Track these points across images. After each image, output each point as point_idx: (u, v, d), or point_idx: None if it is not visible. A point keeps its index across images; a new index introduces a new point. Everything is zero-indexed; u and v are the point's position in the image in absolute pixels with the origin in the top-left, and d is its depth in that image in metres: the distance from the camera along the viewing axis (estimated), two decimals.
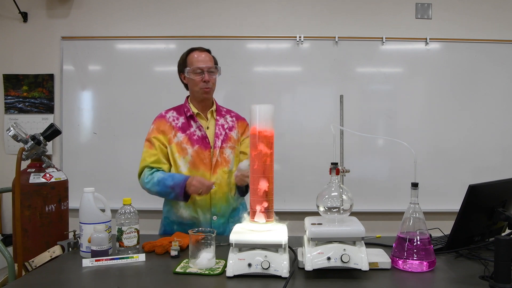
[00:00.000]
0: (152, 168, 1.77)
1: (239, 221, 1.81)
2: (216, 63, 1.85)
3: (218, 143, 1.80)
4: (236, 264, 1.19)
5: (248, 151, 1.85)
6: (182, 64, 1.83)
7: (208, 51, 1.84)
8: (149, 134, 1.83)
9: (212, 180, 1.74)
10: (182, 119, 1.83)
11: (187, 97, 1.89)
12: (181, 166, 1.77)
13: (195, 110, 1.83)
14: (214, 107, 1.87)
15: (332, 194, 1.29)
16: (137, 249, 1.43)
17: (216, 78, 1.83)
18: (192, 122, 1.82)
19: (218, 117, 1.86)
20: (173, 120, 1.83)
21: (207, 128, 1.83)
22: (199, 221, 1.77)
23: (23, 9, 3.07)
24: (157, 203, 2.90)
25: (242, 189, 1.79)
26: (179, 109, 1.87)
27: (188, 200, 1.72)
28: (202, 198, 1.75)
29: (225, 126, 1.85)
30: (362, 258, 1.18)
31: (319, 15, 3.04)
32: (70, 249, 1.51)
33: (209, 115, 1.86)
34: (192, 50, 1.83)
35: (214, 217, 1.78)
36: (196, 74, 1.77)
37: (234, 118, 1.90)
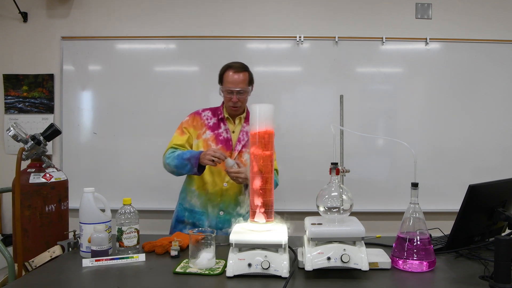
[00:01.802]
0: (176, 148, 1.96)
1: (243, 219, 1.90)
2: (250, 81, 1.97)
3: (239, 147, 1.95)
4: (236, 264, 1.19)
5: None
6: (219, 78, 1.98)
7: (245, 68, 1.96)
8: (182, 124, 2.02)
9: (226, 179, 1.89)
10: (214, 120, 2.00)
11: (223, 101, 2.02)
12: None
13: (226, 114, 2.01)
14: (244, 114, 2.03)
15: (332, 194, 1.29)
16: (137, 249, 1.43)
17: (247, 95, 1.96)
18: (221, 124, 2.00)
19: (245, 124, 2.01)
20: (206, 119, 2.01)
21: (233, 132, 2.00)
22: (208, 213, 1.93)
23: (23, 9, 3.07)
24: (157, 203, 2.91)
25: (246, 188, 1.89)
26: (214, 111, 2.04)
27: (201, 174, 1.86)
28: (214, 193, 1.91)
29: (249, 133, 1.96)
30: (362, 258, 1.18)
31: (319, 15, 3.04)
32: (70, 249, 1.51)
33: (237, 121, 2.01)
34: (228, 67, 1.94)
35: (221, 212, 1.92)
36: (227, 93, 1.92)
37: None
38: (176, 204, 2.09)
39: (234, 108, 1.95)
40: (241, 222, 1.38)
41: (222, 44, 2.97)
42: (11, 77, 3.10)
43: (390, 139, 3.04)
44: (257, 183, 1.26)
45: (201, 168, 1.85)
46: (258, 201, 1.26)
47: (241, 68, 1.94)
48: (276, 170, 2.04)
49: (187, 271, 1.25)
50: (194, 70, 3.00)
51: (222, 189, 1.93)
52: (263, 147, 1.26)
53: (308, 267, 1.17)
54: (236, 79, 1.90)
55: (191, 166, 1.83)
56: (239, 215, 1.88)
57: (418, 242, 1.27)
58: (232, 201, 1.94)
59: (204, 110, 2.05)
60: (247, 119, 2.01)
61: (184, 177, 2.07)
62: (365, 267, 1.17)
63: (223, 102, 2.03)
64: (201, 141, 1.96)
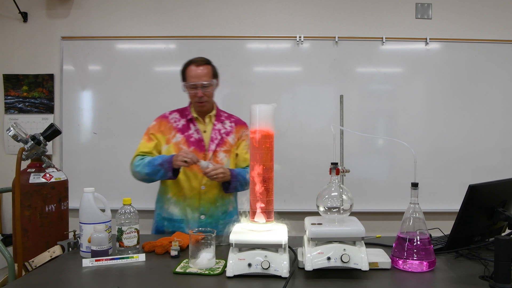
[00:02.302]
0: (144, 155, 1.86)
1: (228, 223, 1.85)
2: (215, 74, 1.88)
3: (212, 147, 1.86)
4: (236, 264, 1.19)
5: (243, 153, 1.92)
6: (182, 76, 1.89)
7: (207, 62, 1.87)
8: (148, 129, 1.92)
9: (203, 181, 1.82)
10: (183, 121, 1.90)
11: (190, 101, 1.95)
12: None
13: (194, 114, 1.90)
14: (214, 112, 1.93)
15: (332, 194, 1.29)
16: (137, 249, 1.43)
17: (212, 90, 1.87)
18: (191, 125, 1.89)
19: (216, 122, 1.92)
20: (175, 122, 1.91)
21: (204, 131, 1.90)
22: (188, 218, 1.84)
23: (23, 9, 3.07)
24: None
25: (225, 186, 1.82)
26: (182, 112, 1.94)
27: (176, 177, 1.79)
28: (192, 197, 1.83)
29: (222, 131, 1.91)
30: (362, 258, 1.18)
31: (319, 15, 3.04)
32: (70, 249, 1.51)
33: (207, 120, 1.92)
34: (190, 63, 1.86)
35: (202, 216, 1.84)
36: (191, 88, 1.83)
37: (233, 124, 1.95)
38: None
39: (201, 104, 1.84)
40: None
41: (222, 44, 2.97)
42: (11, 77, 3.10)
43: (390, 139, 3.04)
44: (257, 183, 1.26)
45: (175, 172, 1.77)
46: (258, 201, 1.26)
47: (203, 61, 1.85)
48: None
49: (187, 271, 1.25)
50: None
51: (200, 192, 1.83)
52: (263, 147, 1.26)
53: (308, 267, 1.17)
54: (199, 73, 1.81)
55: (165, 171, 1.75)
56: (223, 218, 1.87)
57: (418, 242, 1.26)
58: (212, 203, 1.85)
59: (171, 112, 1.95)
60: (218, 117, 1.93)
61: (158, 186, 1.97)
62: (365, 267, 1.17)
63: (190, 102, 1.93)
64: (171, 146, 1.86)
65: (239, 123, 1.97)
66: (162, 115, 1.94)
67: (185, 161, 1.69)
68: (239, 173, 1.82)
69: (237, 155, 1.92)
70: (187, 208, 1.84)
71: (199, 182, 1.83)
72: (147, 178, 1.82)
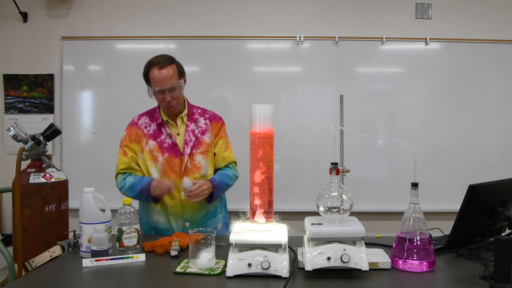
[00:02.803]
0: (124, 173, 1.81)
1: (214, 223, 1.83)
2: (181, 73, 1.75)
3: (188, 150, 1.77)
4: (236, 264, 1.19)
5: (221, 152, 1.84)
6: (145, 79, 1.78)
7: (171, 61, 1.73)
8: (121, 142, 1.85)
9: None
10: (153, 126, 1.81)
11: None
12: (153, 174, 1.79)
13: (164, 118, 1.81)
14: (186, 111, 1.83)
15: (332, 194, 1.29)
16: (137, 249, 1.43)
17: (181, 91, 1.75)
18: (162, 129, 1.80)
19: (188, 123, 1.81)
20: (145, 127, 1.81)
21: (178, 134, 1.80)
22: (172, 227, 1.79)
23: (23, 9, 3.07)
24: None
25: (208, 197, 1.74)
26: (152, 115, 1.84)
27: (158, 202, 1.76)
28: (174, 205, 1.77)
29: (196, 132, 1.81)
30: (362, 258, 1.18)
31: (319, 15, 3.04)
32: (70, 249, 1.51)
33: (179, 121, 1.82)
34: (151, 65, 1.73)
35: (187, 223, 1.79)
36: (158, 93, 1.71)
37: (207, 121, 1.85)
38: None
39: (170, 108, 1.74)
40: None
41: (222, 44, 2.96)
42: (11, 77, 3.10)
43: (390, 139, 3.04)
44: (257, 183, 1.26)
45: (156, 198, 1.72)
46: (258, 201, 1.26)
47: (167, 61, 1.70)
48: (234, 162, 1.90)
49: (187, 271, 1.25)
50: (194, 70, 2.99)
51: (181, 200, 1.74)
52: (263, 148, 1.26)
53: (308, 267, 1.17)
54: (164, 76, 1.66)
55: (146, 198, 1.72)
56: (206, 220, 1.81)
57: (418, 242, 1.26)
58: (196, 209, 1.78)
59: (140, 116, 1.85)
60: (190, 116, 1.81)
61: None
62: (365, 267, 1.17)
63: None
64: (146, 153, 1.77)
65: (214, 119, 1.87)
66: (131, 122, 1.84)
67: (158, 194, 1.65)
68: (220, 181, 1.76)
69: (215, 154, 1.85)
70: (170, 217, 1.79)
71: (179, 190, 1.73)
72: (135, 199, 1.74)
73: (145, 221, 1.86)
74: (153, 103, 2.88)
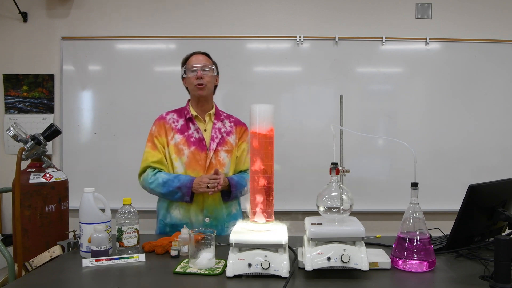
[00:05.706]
0: (155, 168, 1.80)
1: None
2: (215, 66, 1.89)
3: (213, 146, 1.82)
4: (236, 264, 1.19)
5: (243, 156, 1.89)
6: (182, 67, 1.88)
7: (208, 55, 1.90)
8: (150, 135, 1.87)
9: None
10: (181, 121, 1.86)
11: (188, 100, 1.93)
12: (178, 167, 1.80)
13: (194, 113, 1.87)
14: (213, 110, 1.90)
15: (332, 194, 1.29)
16: (137, 249, 1.43)
17: (212, 77, 1.85)
18: (190, 124, 1.86)
19: (216, 121, 1.88)
20: (173, 122, 1.86)
21: (205, 130, 1.86)
22: (192, 222, 1.79)
23: (23, 9, 3.07)
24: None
25: (225, 195, 1.80)
26: (180, 112, 1.90)
27: (192, 201, 1.76)
28: (195, 199, 1.78)
29: (222, 130, 1.88)
30: (362, 258, 1.18)
31: (319, 15, 3.04)
32: (70, 249, 1.51)
33: (207, 118, 1.88)
34: (193, 54, 1.88)
35: (207, 219, 1.80)
36: (192, 71, 1.82)
37: (232, 124, 1.92)
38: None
39: (200, 86, 1.79)
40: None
41: (222, 44, 2.97)
42: (11, 77, 3.10)
43: (390, 139, 3.04)
44: (257, 183, 1.26)
45: (192, 196, 1.74)
46: (258, 201, 1.26)
47: (204, 53, 1.89)
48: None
49: (187, 271, 1.25)
50: None
51: (203, 194, 1.76)
52: (264, 147, 1.26)
53: (308, 267, 1.17)
54: (200, 59, 1.84)
55: (182, 195, 1.72)
56: (228, 221, 1.82)
57: (418, 242, 1.26)
58: (217, 205, 1.80)
59: (168, 113, 1.90)
60: (217, 116, 1.90)
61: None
62: (365, 267, 1.17)
63: (188, 100, 1.91)
64: (171, 147, 1.81)
65: (239, 124, 1.95)
66: (159, 117, 1.89)
67: (208, 186, 1.67)
68: (238, 181, 1.80)
69: (237, 157, 1.89)
70: (191, 211, 1.80)
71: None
72: (162, 196, 1.80)
73: (160, 219, 1.87)
74: (153, 102, 2.86)
